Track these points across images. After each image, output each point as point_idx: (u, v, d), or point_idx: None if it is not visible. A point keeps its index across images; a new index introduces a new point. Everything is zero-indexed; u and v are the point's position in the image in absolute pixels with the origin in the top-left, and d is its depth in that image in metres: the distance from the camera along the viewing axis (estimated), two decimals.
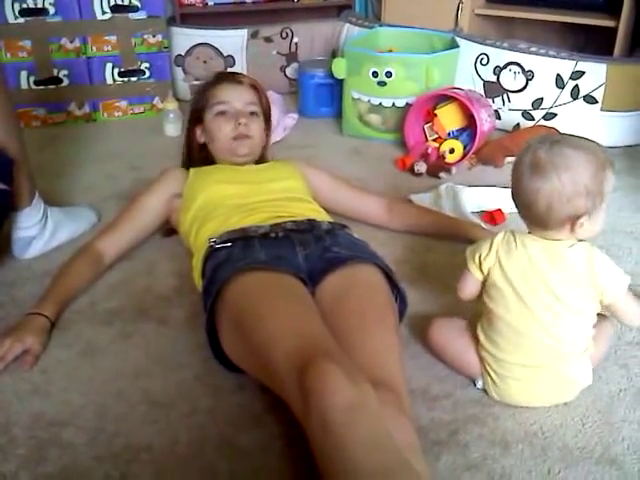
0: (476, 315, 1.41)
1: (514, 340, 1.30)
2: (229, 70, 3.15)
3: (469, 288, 1.38)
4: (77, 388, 1.38)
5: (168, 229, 1.88)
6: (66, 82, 2.86)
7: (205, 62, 3.17)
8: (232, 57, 3.19)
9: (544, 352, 1.29)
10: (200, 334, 1.39)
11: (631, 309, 1.32)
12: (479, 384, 1.39)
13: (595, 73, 2.60)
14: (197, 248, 1.59)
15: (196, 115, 1.89)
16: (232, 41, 3.18)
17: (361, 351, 1.22)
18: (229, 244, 1.46)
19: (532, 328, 1.28)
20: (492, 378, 1.34)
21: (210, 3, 3.42)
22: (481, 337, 1.36)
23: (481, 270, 1.33)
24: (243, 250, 1.43)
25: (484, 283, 1.35)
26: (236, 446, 1.25)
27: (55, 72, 2.83)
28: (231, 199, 1.65)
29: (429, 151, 2.51)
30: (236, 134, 1.81)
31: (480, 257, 1.33)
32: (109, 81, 2.93)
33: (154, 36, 2.93)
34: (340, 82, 2.77)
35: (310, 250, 1.45)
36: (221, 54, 3.18)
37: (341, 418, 0.96)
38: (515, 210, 2.08)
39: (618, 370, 1.45)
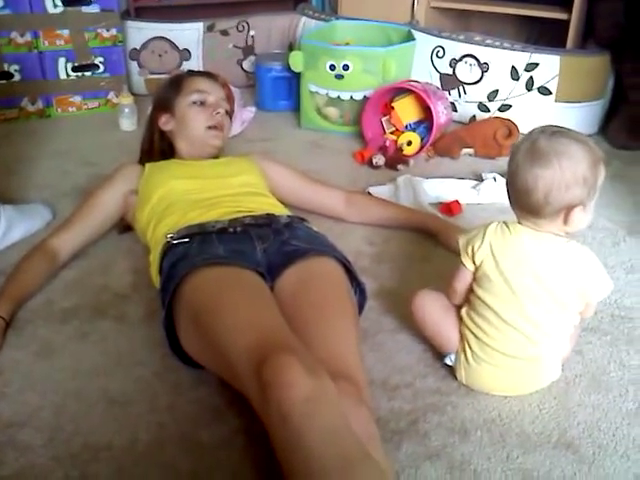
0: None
1: (501, 328, 1.31)
2: (185, 64, 3.13)
3: (464, 282, 1.37)
4: (34, 388, 1.36)
5: (124, 226, 1.86)
6: (18, 77, 2.79)
7: (160, 56, 3.13)
8: (188, 51, 3.16)
9: (528, 346, 1.31)
10: (158, 331, 1.38)
11: (594, 308, 1.36)
12: (449, 360, 1.40)
13: (549, 65, 2.64)
14: (154, 244, 1.57)
15: (164, 102, 1.88)
16: (188, 34, 3.15)
17: (321, 343, 1.23)
18: (187, 240, 1.45)
19: (520, 321, 1.29)
20: (467, 358, 1.35)
21: None
22: (465, 318, 1.37)
23: (474, 262, 1.33)
24: (201, 246, 1.42)
25: (474, 273, 1.35)
26: (197, 442, 1.24)
27: (6, 67, 2.76)
28: (188, 194, 1.64)
29: (387, 144, 2.52)
30: (213, 123, 1.83)
31: (473, 249, 1.32)
32: (62, 76, 2.87)
33: (108, 30, 2.87)
34: (298, 75, 2.77)
35: (269, 244, 1.45)
36: (177, 48, 3.14)
37: (300, 410, 0.97)
38: (472, 201, 2.14)
39: (574, 356, 1.48)
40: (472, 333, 1.35)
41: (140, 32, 3.10)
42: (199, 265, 1.33)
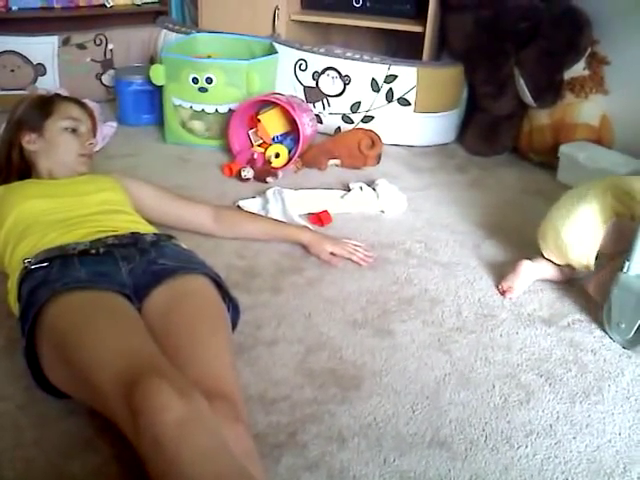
0: None
1: None
2: (40, 79, 2.99)
3: None
4: None
5: None
6: None
7: (13, 71, 2.97)
8: (42, 65, 3.02)
9: None
10: (20, 362, 1.30)
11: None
12: None
13: (407, 76, 2.74)
14: (12, 270, 1.49)
15: (31, 121, 1.81)
16: (41, 48, 3.01)
17: (194, 363, 1.21)
18: (46, 264, 1.39)
19: None
20: None
21: (14, 8, 3.21)
22: None
23: None
24: (61, 269, 1.36)
25: None
26: (68, 475, 1.19)
27: None
28: (47, 215, 1.56)
29: (255, 156, 2.52)
30: (85, 152, 1.83)
31: None
32: None
33: None
34: (160, 89, 2.71)
35: (135, 264, 1.41)
36: (30, 62, 2.99)
37: (172, 434, 0.95)
38: (340, 211, 2.18)
39: (442, 356, 1.54)
40: None
41: None
42: (60, 290, 1.28)
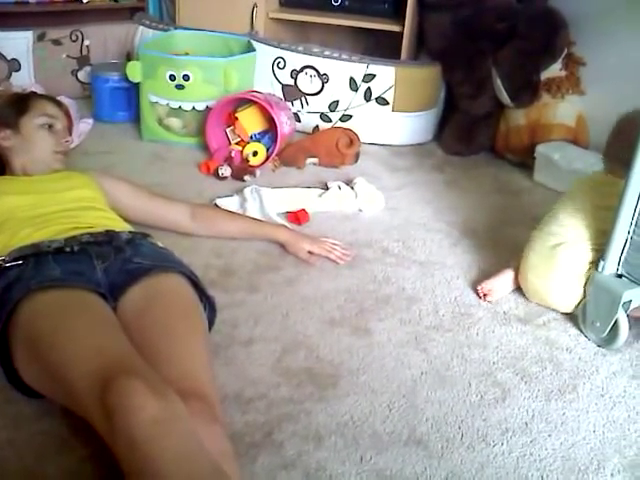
0: None
1: None
2: (14, 75, 2.95)
3: None
4: None
5: None
6: None
7: None
8: (17, 61, 2.97)
9: None
10: None
11: None
12: None
13: (385, 76, 2.74)
14: None
15: (5, 118, 1.80)
16: (16, 43, 2.96)
17: (169, 363, 1.20)
18: (20, 262, 1.37)
19: None
20: None
21: None
22: None
23: None
24: (35, 267, 1.34)
25: None
26: (42, 476, 1.17)
27: None
28: (21, 211, 1.55)
29: (233, 154, 2.51)
30: (60, 149, 1.82)
31: None
32: None
33: None
34: (137, 86, 2.69)
35: (110, 263, 1.40)
36: (4, 57, 2.95)
37: (148, 434, 0.94)
38: (318, 209, 2.18)
39: (419, 355, 1.55)
40: None
41: None
42: (34, 289, 1.26)
